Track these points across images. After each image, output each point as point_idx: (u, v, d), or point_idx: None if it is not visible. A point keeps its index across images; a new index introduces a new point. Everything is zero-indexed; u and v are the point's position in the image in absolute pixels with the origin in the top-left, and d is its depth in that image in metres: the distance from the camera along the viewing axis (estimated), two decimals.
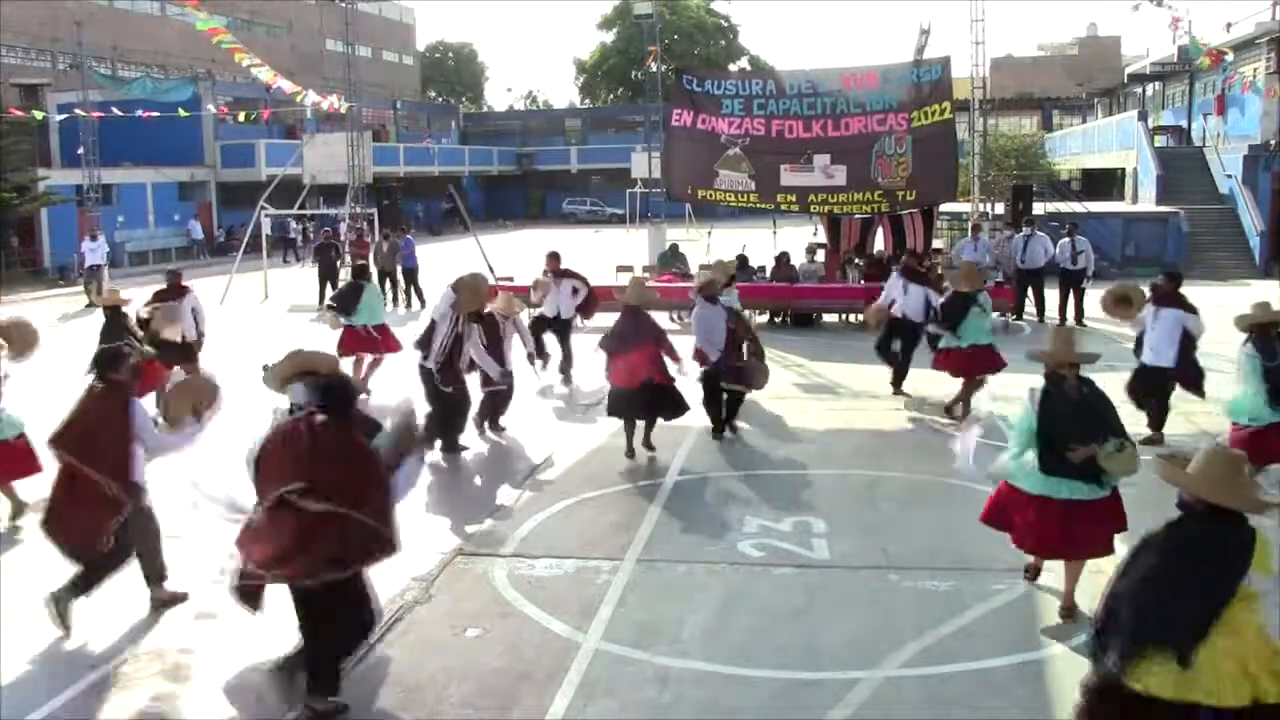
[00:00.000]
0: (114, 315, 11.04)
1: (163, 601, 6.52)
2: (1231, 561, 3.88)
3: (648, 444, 9.80)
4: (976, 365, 10.89)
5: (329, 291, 22.53)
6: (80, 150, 28.05)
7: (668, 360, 9.65)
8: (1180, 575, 3.94)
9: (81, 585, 6.25)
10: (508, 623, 6.27)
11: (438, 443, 9.77)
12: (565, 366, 13.42)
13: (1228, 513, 3.99)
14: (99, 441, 6.23)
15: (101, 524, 6.18)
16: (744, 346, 10.46)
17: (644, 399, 9.54)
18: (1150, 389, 9.92)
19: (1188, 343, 9.60)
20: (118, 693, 5.57)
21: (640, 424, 9.76)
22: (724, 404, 10.50)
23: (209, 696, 5.54)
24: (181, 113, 30.57)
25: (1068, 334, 6.36)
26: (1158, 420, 9.98)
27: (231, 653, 5.95)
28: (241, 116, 34.98)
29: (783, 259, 18.68)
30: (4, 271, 28.91)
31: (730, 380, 10.33)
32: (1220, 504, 3.98)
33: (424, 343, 9.96)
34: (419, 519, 8.24)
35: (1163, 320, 9.70)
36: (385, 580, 6.88)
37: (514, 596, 6.64)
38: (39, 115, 30.11)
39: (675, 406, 9.68)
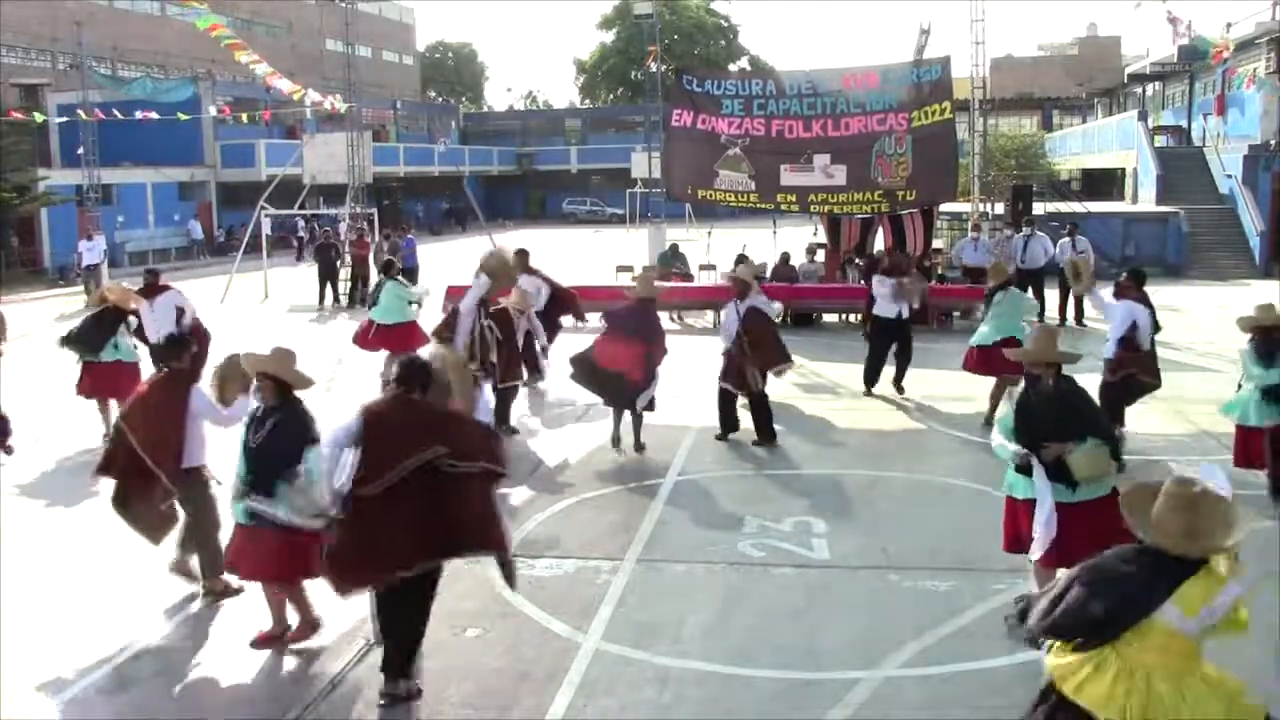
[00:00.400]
0: (114, 313, 10.91)
1: (215, 593, 6.60)
2: (1157, 592, 3.67)
3: (638, 445, 9.86)
4: (997, 364, 10.51)
5: (329, 291, 22.59)
6: (80, 150, 28.07)
7: (650, 365, 9.71)
8: (1112, 577, 3.76)
9: (187, 543, 6.65)
10: (508, 623, 6.27)
11: None
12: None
13: None
14: (156, 426, 6.35)
15: (163, 504, 6.44)
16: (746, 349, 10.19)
17: (610, 383, 9.68)
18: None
19: (1134, 333, 9.57)
20: (118, 692, 5.57)
21: (627, 415, 9.85)
22: (754, 410, 10.28)
23: (210, 696, 5.54)
24: (181, 116, 30.53)
25: (1050, 333, 6.31)
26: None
27: (232, 652, 5.96)
28: (245, 118, 34.96)
29: (783, 259, 18.69)
30: (4, 271, 28.91)
31: (721, 377, 10.31)
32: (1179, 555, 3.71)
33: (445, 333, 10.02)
34: None
35: (1115, 312, 9.75)
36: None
37: (514, 596, 6.63)
38: (40, 118, 30.09)
39: (641, 401, 9.78)
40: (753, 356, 10.08)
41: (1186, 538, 3.66)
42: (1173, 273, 24.60)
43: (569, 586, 6.82)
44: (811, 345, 15.72)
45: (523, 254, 13.11)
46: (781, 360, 10.33)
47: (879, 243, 19.73)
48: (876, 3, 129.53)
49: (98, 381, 10.51)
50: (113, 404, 10.24)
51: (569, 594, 6.68)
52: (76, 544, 7.67)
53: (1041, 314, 18.07)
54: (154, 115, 29.06)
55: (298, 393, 5.94)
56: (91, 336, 10.55)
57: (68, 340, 10.63)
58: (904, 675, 5.57)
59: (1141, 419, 10.36)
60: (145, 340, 11.01)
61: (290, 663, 5.82)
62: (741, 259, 19.44)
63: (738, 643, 5.96)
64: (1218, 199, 28.19)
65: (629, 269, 22.22)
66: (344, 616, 6.32)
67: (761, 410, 10.23)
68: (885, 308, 12.06)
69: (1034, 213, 21.37)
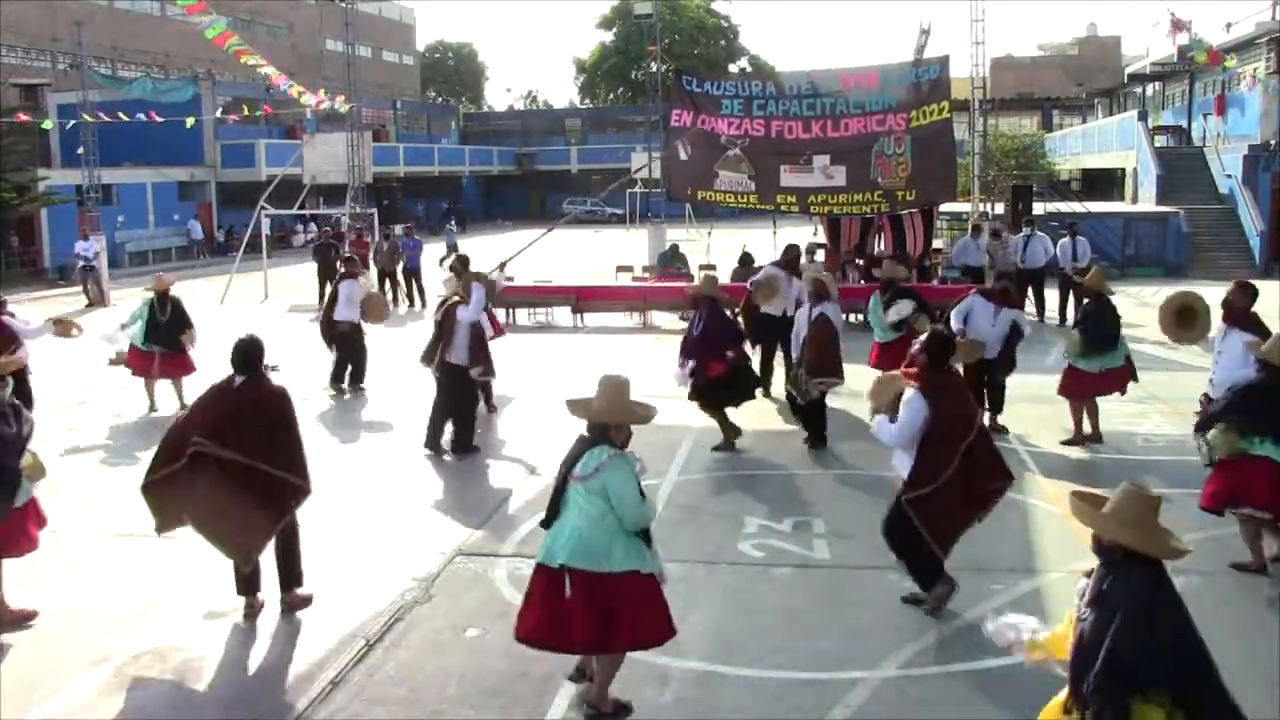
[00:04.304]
0: None
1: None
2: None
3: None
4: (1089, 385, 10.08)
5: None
6: (80, 150, 28.06)
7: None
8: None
9: None
10: (508, 623, 6.23)
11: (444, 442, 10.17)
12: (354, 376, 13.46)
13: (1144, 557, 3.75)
14: None
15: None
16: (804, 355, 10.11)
17: (713, 389, 9.96)
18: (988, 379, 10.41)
19: (1015, 334, 10.30)
20: (119, 692, 5.57)
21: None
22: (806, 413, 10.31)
23: (210, 696, 5.54)
24: (189, 122, 30.46)
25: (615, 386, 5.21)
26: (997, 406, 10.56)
27: (233, 652, 5.96)
28: (246, 111, 34.82)
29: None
30: (4, 271, 28.91)
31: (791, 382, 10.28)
32: (1137, 550, 3.72)
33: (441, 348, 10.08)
34: (419, 519, 8.25)
35: (1000, 318, 10.21)
36: (385, 580, 6.91)
37: (514, 596, 6.62)
38: (48, 124, 30.05)
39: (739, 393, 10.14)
40: (808, 365, 9.98)
41: (1151, 531, 3.78)
42: (1173, 272, 24.62)
43: None
44: None
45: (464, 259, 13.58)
46: (833, 374, 10.00)
47: (879, 243, 19.74)
48: (876, 3, 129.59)
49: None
50: None
51: None
52: (76, 544, 7.67)
53: (1041, 314, 18.11)
54: (152, 119, 28.98)
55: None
56: None
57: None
58: (904, 675, 5.56)
59: (1141, 419, 10.36)
60: None
61: (290, 663, 5.82)
62: (747, 257, 19.65)
63: (738, 643, 5.95)
64: (1218, 199, 28.19)
65: (629, 269, 22.25)
66: (344, 618, 6.33)
67: (814, 415, 10.24)
68: (772, 305, 12.07)
69: (1034, 213, 21.39)
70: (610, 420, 5.10)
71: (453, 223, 36.40)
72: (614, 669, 5.16)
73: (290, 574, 6.44)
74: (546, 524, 5.18)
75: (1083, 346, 9.88)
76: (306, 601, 6.47)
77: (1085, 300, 10.20)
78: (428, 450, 10.15)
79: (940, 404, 6.03)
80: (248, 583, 6.35)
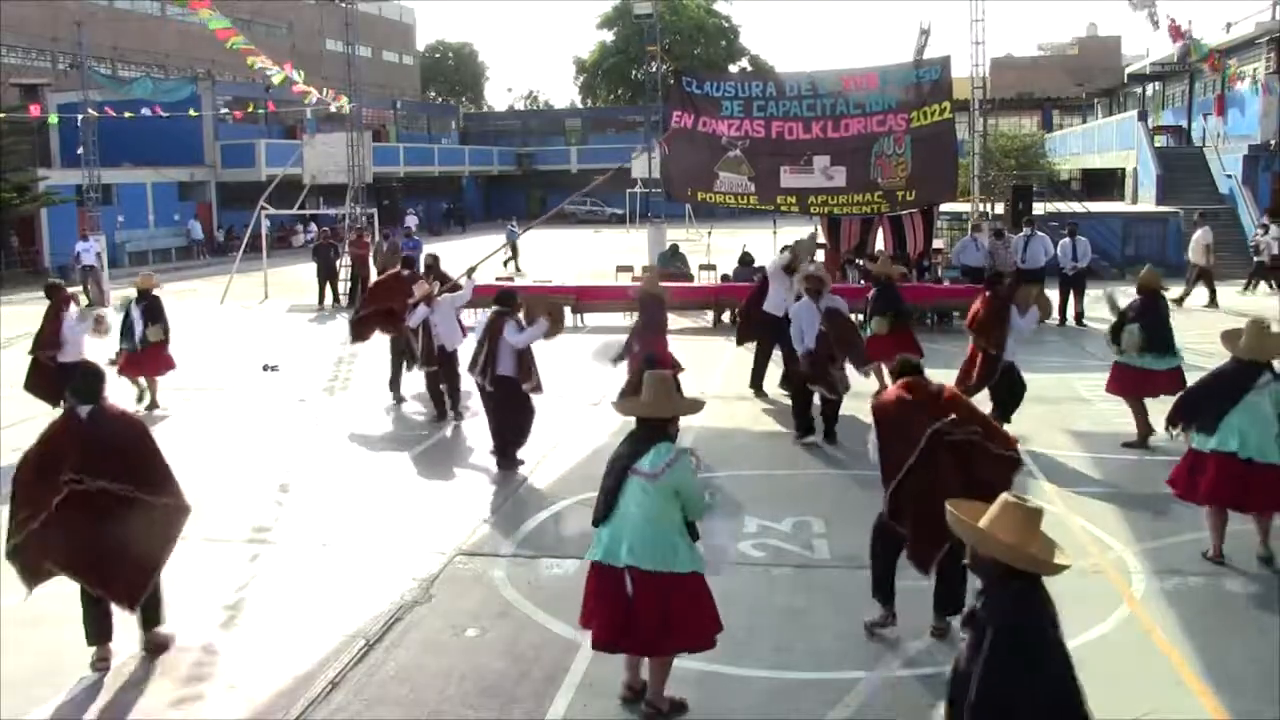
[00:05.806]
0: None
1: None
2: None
3: None
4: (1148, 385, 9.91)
5: (328, 291, 22.59)
6: (80, 150, 28.06)
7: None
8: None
9: None
10: (507, 623, 6.27)
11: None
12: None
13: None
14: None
15: None
16: (833, 351, 10.05)
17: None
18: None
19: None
20: (118, 692, 5.57)
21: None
22: (822, 409, 10.30)
23: (210, 696, 5.54)
24: (191, 113, 30.39)
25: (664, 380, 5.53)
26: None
27: (232, 652, 5.96)
28: (250, 108, 34.81)
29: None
30: (4, 271, 28.90)
31: (811, 379, 10.19)
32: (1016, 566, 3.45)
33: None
34: (419, 519, 8.25)
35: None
36: (385, 580, 6.91)
37: (514, 596, 6.64)
38: (53, 120, 30.02)
39: None
40: (842, 357, 10.10)
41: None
42: (1173, 273, 24.56)
43: (569, 586, 6.79)
44: None
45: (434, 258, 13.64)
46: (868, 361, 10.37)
47: (879, 243, 19.74)
48: (876, 3, 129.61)
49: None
50: None
51: (569, 594, 6.64)
52: None
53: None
54: (157, 114, 28.96)
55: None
56: None
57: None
58: (904, 675, 5.57)
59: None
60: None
61: (290, 663, 5.82)
62: (746, 257, 19.63)
63: (738, 643, 5.94)
64: (1218, 199, 28.18)
65: (629, 269, 22.25)
66: (344, 618, 6.33)
67: (835, 407, 10.29)
68: (775, 305, 12.09)
69: (1034, 213, 21.38)
70: (667, 415, 5.22)
71: (514, 222, 36.09)
72: (668, 668, 5.19)
73: (153, 611, 5.98)
74: (598, 522, 5.15)
75: (1145, 342, 9.70)
76: (168, 642, 6.01)
77: (1139, 297, 10.01)
78: (502, 468, 9.57)
79: (886, 421, 6.08)
80: (99, 630, 5.81)
